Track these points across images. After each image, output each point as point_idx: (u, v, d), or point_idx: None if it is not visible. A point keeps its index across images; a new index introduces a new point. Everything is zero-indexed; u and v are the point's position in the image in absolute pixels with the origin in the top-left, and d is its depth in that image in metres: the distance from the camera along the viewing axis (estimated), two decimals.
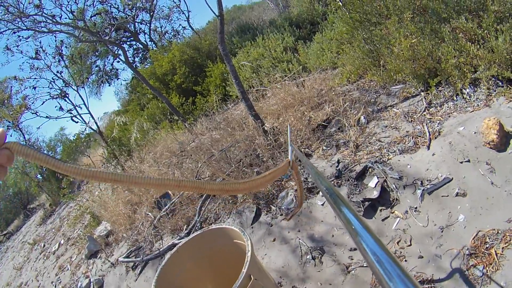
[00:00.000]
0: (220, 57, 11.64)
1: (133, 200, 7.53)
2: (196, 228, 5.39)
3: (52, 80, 11.19)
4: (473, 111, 4.18)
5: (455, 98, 4.54)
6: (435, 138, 4.15)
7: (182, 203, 6.03)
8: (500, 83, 4.23)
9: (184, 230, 5.56)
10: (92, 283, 6.25)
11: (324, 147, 5.19)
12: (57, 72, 11.23)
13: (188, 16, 19.00)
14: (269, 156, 5.43)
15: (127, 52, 17.63)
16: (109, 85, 20.47)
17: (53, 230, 12.25)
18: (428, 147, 4.07)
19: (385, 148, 4.48)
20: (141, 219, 6.73)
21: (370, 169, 4.24)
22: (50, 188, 16.77)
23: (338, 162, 4.67)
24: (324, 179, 1.22)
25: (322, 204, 4.30)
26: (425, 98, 4.86)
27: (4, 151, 0.81)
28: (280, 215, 4.61)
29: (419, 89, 5.07)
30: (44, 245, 11.47)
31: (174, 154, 8.20)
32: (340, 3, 6.62)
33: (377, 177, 4.06)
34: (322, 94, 6.56)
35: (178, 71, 12.01)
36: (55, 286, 7.61)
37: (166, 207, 6.27)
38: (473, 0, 4.56)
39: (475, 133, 3.80)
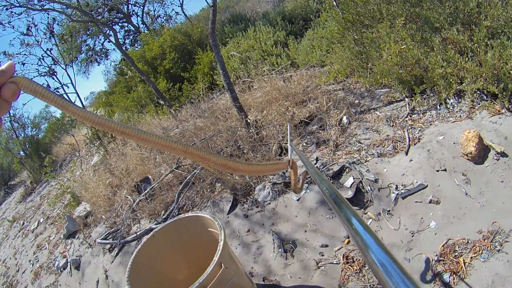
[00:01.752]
0: (210, 46, 11.54)
1: (113, 183, 7.48)
2: (174, 214, 5.40)
3: (41, 57, 11.07)
4: (455, 121, 4.22)
5: (438, 107, 4.57)
6: (414, 144, 4.19)
7: (161, 189, 6.02)
8: (485, 97, 4.26)
9: (161, 215, 5.58)
10: (69, 263, 6.25)
11: (304, 144, 5.19)
12: (47, 49, 11.10)
13: (182, 1, 18.83)
14: (250, 148, 5.42)
15: (118, 33, 17.53)
16: (98, 65, 20.24)
17: (33, 208, 12.14)
18: (407, 153, 4.10)
19: (364, 149, 4.50)
20: (121, 202, 6.73)
21: (347, 169, 4.26)
22: (32, 166, 16.52)
23: (317, 159, 4.68)
24: (324, 179, 1.22)
25: (298, 200, 4.32)
26: (408, 104, 4.89)
27: (11, 85, 0.78)
28: (256, 207, 4.62)
29: (404, 95, 5.10)
30: (23, 223, 11.43)
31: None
32: (334, 3, 6.60)
33: (353, 178, 4.08)
34: (308, 91, 6.56)
35: (167, 56, 11.92)
36: (33, 265, 7.60)
37: (146, 191, 6.23)
38: (466, 13, 4.58)
39: (454, 143, 3.84)
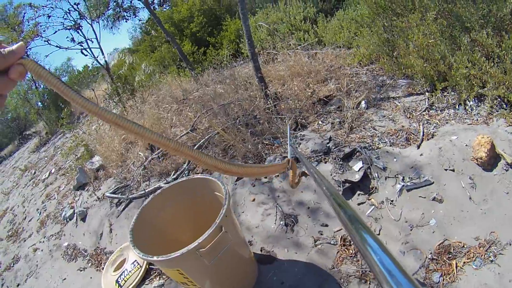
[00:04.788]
0: (239, 14, 11.40)
1: (128, 139, 7.55)
2: (184, 175, 5.41)
3: (68, 12, 11.04)
4: (470, 124, 4.20)
5: (457, 107, 4.57)
6: (428, 139, 4.20)
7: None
8: (505, 105, 4.24)
9: (171, 175, 5.60)
10: (76, 214, 6.36)
11: (320, 122, 5.23)
12: (74, 3, 11.06)
13: None
14: (266, 120, 5.45)
15: None
16: (126, 21, 19.93)
17: (46, 158, 12.21)
18: (418, 147, 4.12)
19: (378, 136, 4.53)
20: (133, 159, 6.78)
21: (358, 153, 4.30)
22: (48, 117, 16.48)
23: (330, 139, 4.72)
24: (324, 179, 1.23)
25: (306, 176, 4.37)
26: (428, 99, 4.89)
27: (18, 66, 0.82)
28: (265, 177, 4.66)
29: (425, 89, 5.09)
30: (34, 172, 11.49)
31: (176, 100, 8.20)
32: None
33: (363, 163, 4.12)
34: (331, 70, 6.57)
35: (195, 20, 11.89)
36: (40, 214, 7.71)
37: (159, 150, 6.30)
38: (498, 18, 4.55)
39: (466, 145, 3.83)
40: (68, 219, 6.49)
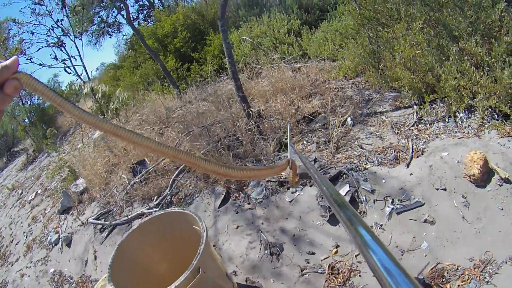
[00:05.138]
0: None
1: (111, 161, 7.47)
2: (166, 201, 5.35)
3: (51, 28, 10.98)
4: (461, 137, 4.05)
5: (447, 119, 4.40)
6: (417, 157, 4.03)
7: (156, 173, 5.94)
8: (496, 116, 4.08)
9: (154, 200, 5.52)
10: (61, 239, 6.32)
11: (304, 142, 5.06)
12: (57, 20, 10.99)
13: None
14: (249, 141, 5.29)
15: (132, 7, 17.36)
16: (110, 37, 20.05)
17: (33, 178, 12.05)
18: (408, 165, 3.95)
19: (365, 156, 4.35)
20: (116, 182, 6.71)
21: (344, 175, 4.12)
22: (35, 134, 16.32)
23: (315, 160, 4.54)
24: (324, 179, 1.22)
25: (290, 201, 4.19)
26: (416, 112, 4.72)
27: (13, 81, 0.80)
28: (248, 203, 4.51)
29: (413, 102, 4.93)
30: (21, 193, 11.35)
31: (159, 119, 8.11)
32: None
33: (349, 186, 3.93)
34: (316, 85, 6.43)
35: (179, 35, 11.79)
36: (26, 237, 7.67)
37: (141, 174, 6.17)
38: (487, 25, 4.38)
39: (458, 162, 3.69)
40: (53, 244, 6.44)
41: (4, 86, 0.79)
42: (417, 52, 4.71)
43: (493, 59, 4.13)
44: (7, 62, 0.80)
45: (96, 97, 11.00)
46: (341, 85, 6.37)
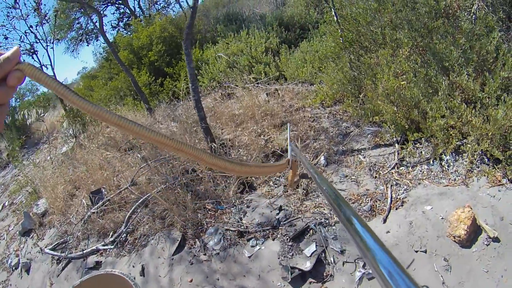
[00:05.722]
0: (200, 42, 11.28)
1: (72, 184, 7.23)
2: (121, 238, 5.07)
3: (25, 34, 10.64)
4: (447, 185, 3.65)
5: (431, 162, 3.97)
6: (396, 209, 3.60)
7: (113, 204, 5.66)
8: (486, 160, 3.71)
9: (109, 236, 5.27)
10: (20, 265, 6.14)
11: (271, 183, 4.63)
12: (30, 26, 10.70)
13: None
14: (209, 180, 4.90)
15: (113, 14, 17.10)
16: (88, 45, 19.58)
17: (2, 186, 11.78)
18: (385, 220, 3.52)
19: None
20: (76, 207, 6.41)
21: (311, 231, 3.65)
22: (10, 138, 15.81)
23: (280, 208, 4.09)
24: (324, 179, 1.10)
25: (250, 256, 3.69)
26: (398, 152, 4.29)
27: (16, 72, 0.77)
28: (204, 254, 4.08)
29: (395, 139, 4.51)
30: None
31: (123, 141, 7.81)
32: (335, 17, 5.89)
33: (316, 245, 3.47)
34: (290, 112, 6.10)
35: (154, 48, 11.50)
36: None
37: (97, 205, 5.85)
38: (481, 56, 3.95)
39: (442, 218, 3.31)
40: (13, 268, 6.28)
41: (7, 78, 0.76)
42: (402, 83, 4.32)
43: (486, 95, 3.77)
44: (9, 53, 0.76)
45: (67, 108, 10.59)
46: (317, 113, 6.00)
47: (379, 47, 5.08)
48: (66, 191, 7.02)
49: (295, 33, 9.77)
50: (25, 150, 14.62)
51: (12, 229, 7.76)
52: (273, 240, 3.77)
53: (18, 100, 19.00)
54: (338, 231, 3.54)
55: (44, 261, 5.76)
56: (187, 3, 17.85)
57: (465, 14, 4.36)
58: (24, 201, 8.60)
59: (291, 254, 3.51)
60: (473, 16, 4.37)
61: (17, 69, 0.76)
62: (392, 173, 4.05)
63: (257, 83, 7.45)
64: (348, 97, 5.52)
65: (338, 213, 0.83)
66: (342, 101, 5.83)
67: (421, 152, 4.13)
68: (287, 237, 3.65)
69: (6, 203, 9.65)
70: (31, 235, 6.86)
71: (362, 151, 4.63)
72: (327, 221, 3.67)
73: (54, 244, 5.88)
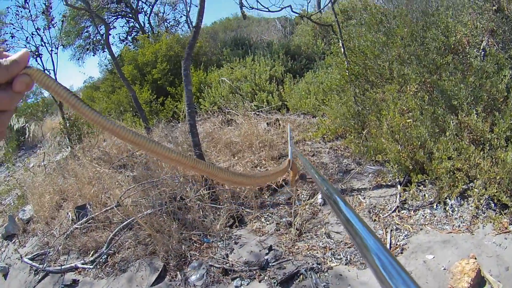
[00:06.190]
0: (205, 65, 11.25)
1: (61, 193, 7.16)
2: (101, 260, 4.85)
3: (31, 35, 10.58)
4: (451, 232, 3.43)
5: (435, 206, 3.76)
6: (396, 256, 3.26)
7: (98, 222, 5.54)
8: (493, 205, 3.53)
9: (90, 255, 5.11)
10: None
11: (263, 220, 4.39)
12: (37, 28, 10.60)
13: (189, 10, 18.22)
14: (197, 210, 4.69)
15: (123, 27, 17.18)
16: (93, 55, 19.72)
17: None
18: None
19: (331, 249, 3.62)
20: (61, 219, 6.27)
21: (302, 276, 3.36)
22: (9, 137, 15.79)
23: (270, 248, 3.83)
24: (325, 180, 1.13)
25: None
26: (400, 195, 4.06)
27: (24, 77, 0.71)
28: None
29: (397, 180, 4.29)
30: None
31: (117, 157, 7.75)
32: (342, 49, 5.72)
33: None
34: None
35: (158, 66, 11.45)
36: None
37: (81, 221, 5.72)
38: (491, 95, 3.83)
39: (444, 269, 3.06)
40: None
41: (14, 83, 0.71)
42: (408, 121, 4.13)
43: (495, 136, 3.61)
44: (17, 56, 0.71)
45: (65, 116, 10.49)
46: (318, 148, 5.85)
47: (385, 82, 4.94)
48: (53, 201, 6.95)
49: (301, 63, 9.70)
50: (22, 151, 14.73)
51: None
52: (259, 282, 3.49)
53: (21, 100, 18.94)
54: (331, 278, 3.27)
55: (22, 270, 5.69)
56: (188, 25, 18.08)
57: (475, 50, 4.23)
58: (12, 204, 8.59)
59: None
60: (482, 52, 4.23)
61: (24, 74, 0.72)
62: (393, 216, 3.82)
63: (259, 111, 7.34)
64: (351, 133, 5.37)
65: (338, 214, 0.84)
66: (344, 137, 5.68)
67: (424, 195, 3.93)
68: (275, 280, 3.37)
69: None
70: (14, 240, 6.83)
71: (362, 191, 4.42)
72: (319, 267, 3.38)
73: (33, 254, 5.84)
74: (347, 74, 5.62)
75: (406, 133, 4.09)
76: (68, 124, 10.23)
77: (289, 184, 2.82)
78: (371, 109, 4.94)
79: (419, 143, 3.96)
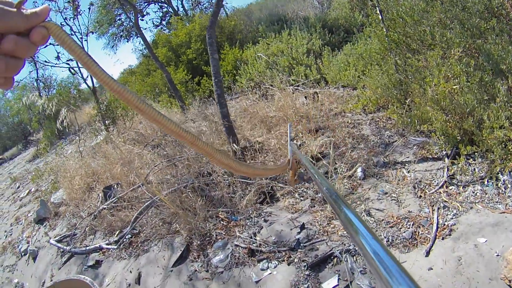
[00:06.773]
0: (240, 42, 11.14)
1: (93, 175, 7.32)
2: (125, 239, 4.87)
3: (60, 25, 10.54)
4: (503, 212, 3.04)
5: (486, 182, 3.38)
6: (442, 238, 2.99)
7: (124, 201, 5.53)
8: None
9: (115, 235, 5.14)
10: (28, 252, 6.26)
11: (296, 195, 4.11)
12: (65, 18, 10.62)
13: None
14: (226, 184, 4.47)
15: (156, 13, 18.16)
16: (127, 41, 20.26)
17: (33, 173, 12.02)
18: (428, 252, 2.89)
19: (372, 228, 3.22)
20: (91, 201, 6.51)
21: (335, 259, 3.07)
22: (49, 127, 16.32)
23: (302, 227, 3.55)
24: (325, 180, 1.06)
25: (257, 282, 3.23)
26: (448, 168, 3.71)
27: (41, 29, 0.72)
28: (206, 271, 3.64)
29: (444, 152, 3.94)
30: (18, 187, 11.62)
31: (151, 137, 7.82)
32: (380, 17, 5.38)
33: (339, 279, 2.88)
34: (329, 116, 5.68)
35: (192, 46, 11.45)
36: (6, 237, 7.78)
37: (109, 201, 5.84)
38: None
39: (497, 255, 2.66)
40: (22, 254, 6.50)
41: (31, 33, 0.72)
42: (454, 87, 3.78)
43: None
44: (37, 9, 0.73)
45: (100, 101, 10.77)
46: (358, 120, 5.56)
47: (427, 49, 4.61)
48: (84, 183, 7.17)
49: (339, 36, 9.41)
50: (62, 140, 15.14)
51: (31, 215, 8.04)
52: (288, 265, 3.25)
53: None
54: None
55: (50, 251, 5.86)
56: (222, 5, 17.84)
57: None
58: (47, 189, 8.96)
59: (306, 285, 2.96)
60: None
61: (43, 26, 0.72)
62: (440, 192, 3.47)
63: (297, 86, 7.11)
64: (393, 103, 5.06)
65: (338, 212, 0.83)
66: (386, 107, 5.38)
67: (474, 169, 3.56)
68: (306, 263, 3.11)
69: (33, 189, 10.14)
70: (45, 224, 7.06)
71: (406, 164, 4.09)
72: (356, 249, 3.08)
73: (61, 236, 6.01)
74: (386, 42, 5.30)
75: (452, 101, 3.75)
76: (102, 108, 10.40)
77: (288, 183, 2.64)
78: (414, 77, 4.62)
79: (467, 110, 3.60)
